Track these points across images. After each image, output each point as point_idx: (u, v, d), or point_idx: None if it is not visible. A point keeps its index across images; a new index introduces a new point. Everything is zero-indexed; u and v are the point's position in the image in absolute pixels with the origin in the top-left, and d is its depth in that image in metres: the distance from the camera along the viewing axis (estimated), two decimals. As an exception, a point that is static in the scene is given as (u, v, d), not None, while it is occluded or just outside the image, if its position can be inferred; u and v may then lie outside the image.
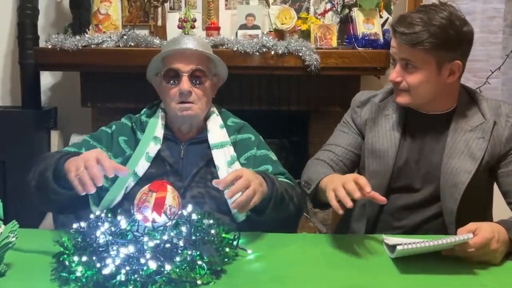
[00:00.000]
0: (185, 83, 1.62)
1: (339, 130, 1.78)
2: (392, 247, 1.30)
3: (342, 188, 1.33)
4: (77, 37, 2.61)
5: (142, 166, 1.60)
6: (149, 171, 1.61)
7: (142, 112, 1.74)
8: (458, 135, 1.58)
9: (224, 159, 1.64)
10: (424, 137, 1.63)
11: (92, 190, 1.28)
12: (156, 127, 1.67)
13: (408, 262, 1.28)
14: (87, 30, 2.67)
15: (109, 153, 1.62)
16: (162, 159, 1.63)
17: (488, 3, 3.32)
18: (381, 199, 1.36)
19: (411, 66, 1.52)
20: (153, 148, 1.62)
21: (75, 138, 2.90)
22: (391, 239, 1.41)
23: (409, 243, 1.24)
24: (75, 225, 1.27)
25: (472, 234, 1.30)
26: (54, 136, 2.94)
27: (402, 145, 1.64)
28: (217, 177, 1.59)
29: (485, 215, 1.69)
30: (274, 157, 1.74)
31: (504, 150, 1.57)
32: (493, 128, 1.56)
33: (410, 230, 1.62)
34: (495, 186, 1.66)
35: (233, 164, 1.64)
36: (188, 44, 1.65)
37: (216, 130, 1.69)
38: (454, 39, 1.48)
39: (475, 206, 1.58)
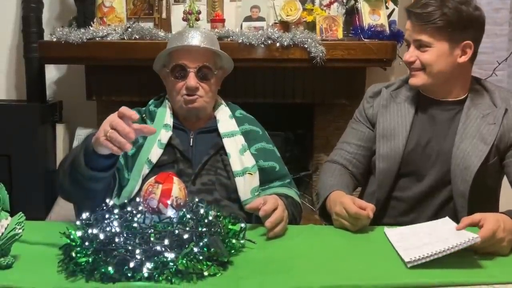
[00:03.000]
0: (192, 79, 1.63)
1: (350, 127, 1.83)
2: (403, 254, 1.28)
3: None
4: (82, 30, 2.60)
5: (155, 153, 1.62)
6: (161, 158, 1.62)
7: (150, 103, 1.76)
8: (470, 121, 1.61)
9: (235, 147, 1.66)
10: (435, 123, 1.66)
11: (129, 147, 1.28)
12: (165, 115, 1.68)
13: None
14: (91, 23, 2.66)
15: None
16: (172, 147, 1.65)
17: (494, -5, 3.30)
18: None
19: (424, 46, 1.58)
20: (164, 135, 1.64)
21: (80, 132, 2.91)
22: (391, 233, 1.41)
23: (419, 258, 1.21)
24: (84, 215, 1.27)
25: (478, 224, 1.30)
26: (60, 129, 2.95)
27: (413, 130, 1.67)
28: (228, 165, 1.64)
29: (495, 203, 1.71)
30: (278, 154, 1.78)
31: None
32: (504, 116, 1.59)
33: (423, 217, 1.63)
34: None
35: (245, 152, 1.67)
36: (194, 39, 1.65)
37: (226, 120, 1.71)
38: (465, 20, 1.55)
39: (486, 191, 1.61)
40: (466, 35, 1.57)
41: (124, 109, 1.29)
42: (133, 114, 1.28)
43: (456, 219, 1.43)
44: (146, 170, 1.59)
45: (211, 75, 1.67)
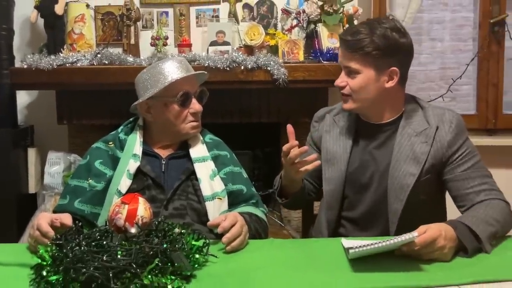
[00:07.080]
0: (197, 104, 1.74)
1: None
2: (348, 249, 1.40)
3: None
4: (52, 56, 2.66)
5: (124, 183, 1.66)
6: (131, 187, 1.67)
7: (120, 130, 1.80)
8: (404, 140, 1.69)
9: (206, 172, 1.72)
10: (373, 143, 1.74)
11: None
12: (135, 144, 1.73)
13: (364, 262, 1.37)
14: (61, 49, 2.72)
15: (90, 181, 1.70)
16: (143, 174, 1.70)
17: (457, 12, 3.42)
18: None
19: (353, 72, 1.66)
20: (132, 165, 1.69)
21: (52, 155, 2.93)
22: (347, 242, 1.50)
23: (360, 246, 1.33)
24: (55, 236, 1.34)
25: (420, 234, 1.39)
26: (31, 153, 2.97)
27: (354, 152, 1.75)
28: (199, 190, 1.69)
29: (431, 218, 1.78)
30: (245, 175, 1.84)
31: (447, 154, 1.67)
32: (436, 133, 1.67)
33: (374, 233, 1.72)
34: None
35: (215, 177, 1.73)
36: (189, 68, 1.76)
37: (198, 146, 1.78)
38: (391, 47, 1.62)
39: (421, 210, 1.68)
40: (393, 61, 1.64)
41: (42, 228, 1.42)
42: (49, 232, 1.41)
43: (388, 235, 1.52)
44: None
45: (205, 96, 1.79)
